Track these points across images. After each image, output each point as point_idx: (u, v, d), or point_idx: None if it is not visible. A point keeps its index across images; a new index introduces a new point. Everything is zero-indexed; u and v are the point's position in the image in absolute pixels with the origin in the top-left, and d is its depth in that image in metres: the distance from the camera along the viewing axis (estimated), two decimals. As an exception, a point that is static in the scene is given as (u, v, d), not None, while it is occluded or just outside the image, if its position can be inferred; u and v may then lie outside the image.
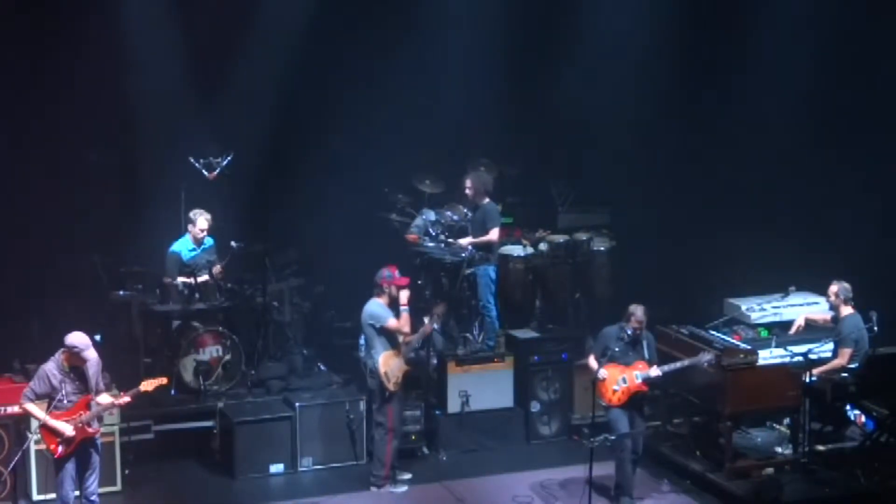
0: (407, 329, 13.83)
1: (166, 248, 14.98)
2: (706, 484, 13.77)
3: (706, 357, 13.38)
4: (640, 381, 13.28)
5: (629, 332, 13.31)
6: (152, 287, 14.78)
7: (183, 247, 14.91)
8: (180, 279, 14.66)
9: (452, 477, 14.25)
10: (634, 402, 13.38)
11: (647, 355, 13.38)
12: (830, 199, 16.26)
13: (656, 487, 13.93)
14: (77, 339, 12.00)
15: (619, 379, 13.30)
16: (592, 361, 13.49)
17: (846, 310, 13.88)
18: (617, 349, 13.32)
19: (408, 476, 14.15)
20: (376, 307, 13.86)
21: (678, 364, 13.43)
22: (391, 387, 13.79)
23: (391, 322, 13.76)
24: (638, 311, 13.29)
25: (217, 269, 14.77)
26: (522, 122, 17.05)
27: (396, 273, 13.95)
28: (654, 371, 13.30)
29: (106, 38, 15.11)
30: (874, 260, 15.44)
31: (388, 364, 13.80)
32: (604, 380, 13.26)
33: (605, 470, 13.61)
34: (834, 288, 13.91)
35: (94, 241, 15.27)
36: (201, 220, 14.84)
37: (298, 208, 16.30)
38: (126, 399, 12.34)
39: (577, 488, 13.53)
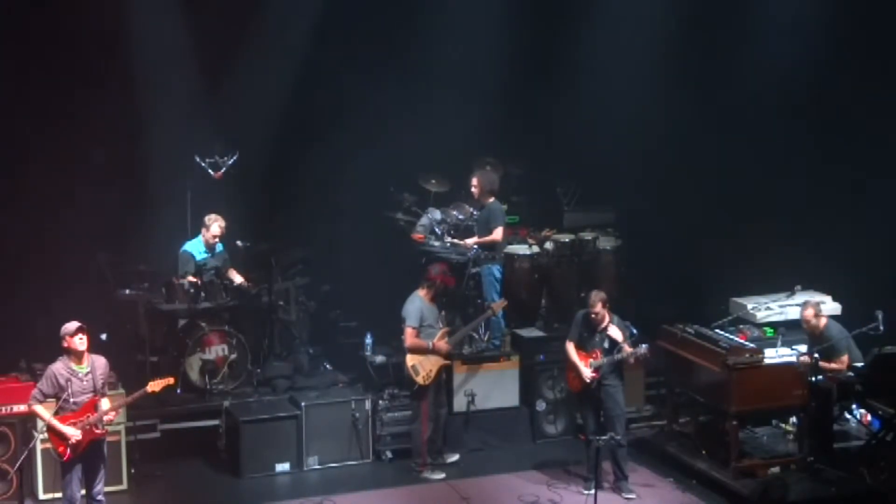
0: (410, 343, 13.88)
1: (172, 248, 14.99)
2: (712, 483, 13.76)
3: (640, 350, 13.37)
4: (592, 369, 13.41)
5: (586, 321, 13.50)
6: (158, 286, 14.78)
7: (195, 248, 14.90)
8: (187, 279, 14.68)
9: (458, 476, 14.24)
10: (595, 388, 13.44)
11: (606, 344, 13.41)
12: (836, 197, 16.21)
13: (662, 486, 13.93)
14: (65, 325, 12.04)
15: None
16: (571, 349, 13.65)
17: (823, 320, 13.90)
18: (585, 335, 13.47)
19: (455, 457, 14.34)
20: (410, 304, 14.00)
21: (616, 356, 13.40)
22: (420, 380, 13.88)
23: (408, 329, 13.89)
24: (591, 296, 13.43)
25: (241, 279, 14.84)
26: (528, 120, 17.04)
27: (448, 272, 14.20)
28: (600, 360, 13.40)
29: (112, 37, 15.12)
30: (880, 259, 15.41)
31: (416, 357, 13.84)
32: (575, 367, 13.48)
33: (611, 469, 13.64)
34: (809, 312, 13.86)
35: (100, 239, 15.26)
36: (215, 227, 14.83)
37: (304, 207, 16.31)
38: (128, 400, 12.35)
39: (582, 487, 13.57)
